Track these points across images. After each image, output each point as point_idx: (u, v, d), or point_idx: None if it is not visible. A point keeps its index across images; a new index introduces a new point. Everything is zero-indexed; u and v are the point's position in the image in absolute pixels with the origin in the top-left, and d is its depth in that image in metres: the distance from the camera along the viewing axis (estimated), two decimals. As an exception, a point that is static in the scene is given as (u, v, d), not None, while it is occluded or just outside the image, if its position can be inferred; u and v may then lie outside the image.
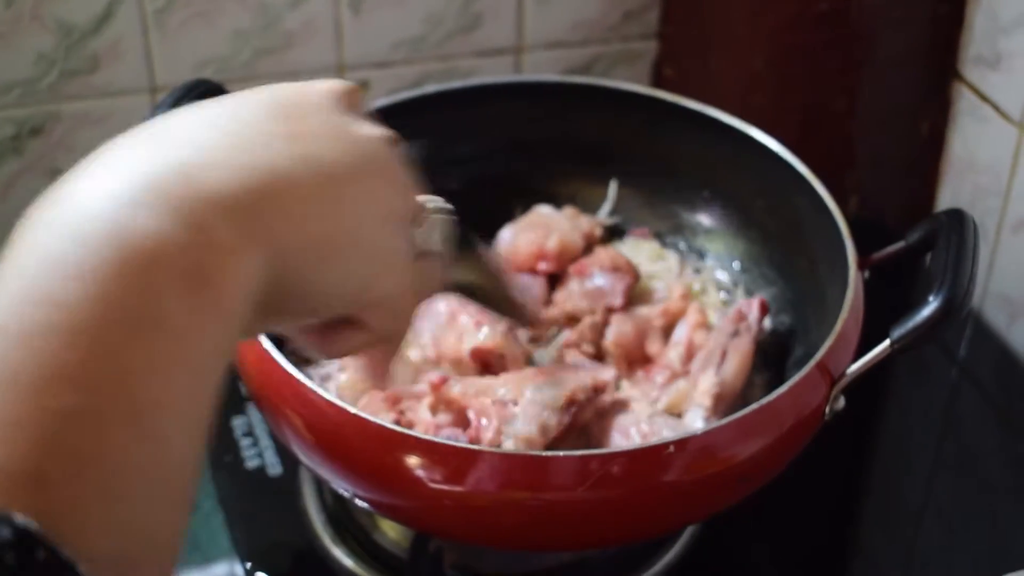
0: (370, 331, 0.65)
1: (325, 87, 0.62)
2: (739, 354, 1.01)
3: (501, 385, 0.94)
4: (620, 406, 0.99)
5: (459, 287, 0.83)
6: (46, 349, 0.45)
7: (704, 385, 0.99)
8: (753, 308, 1.05)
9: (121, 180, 0.51)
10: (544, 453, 0.85)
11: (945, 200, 1.39)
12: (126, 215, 0.48)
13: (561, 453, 0.85)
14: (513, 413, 0.91)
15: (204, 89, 1.03)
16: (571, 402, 0.93)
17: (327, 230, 0.56)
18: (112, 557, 0.45)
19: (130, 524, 0.46)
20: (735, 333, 1.03)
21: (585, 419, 0.96)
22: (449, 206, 0.71)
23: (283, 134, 0.56)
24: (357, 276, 0.60)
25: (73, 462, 0.44)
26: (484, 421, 0.92)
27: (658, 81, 1.46)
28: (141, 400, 0.47)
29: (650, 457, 0.85)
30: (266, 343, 0.90)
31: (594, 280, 1.11)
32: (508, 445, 0.90)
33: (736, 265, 1.16)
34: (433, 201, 0.70)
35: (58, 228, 0.48)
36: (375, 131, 0.61)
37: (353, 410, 0.85)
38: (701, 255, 1.19)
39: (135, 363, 0.47)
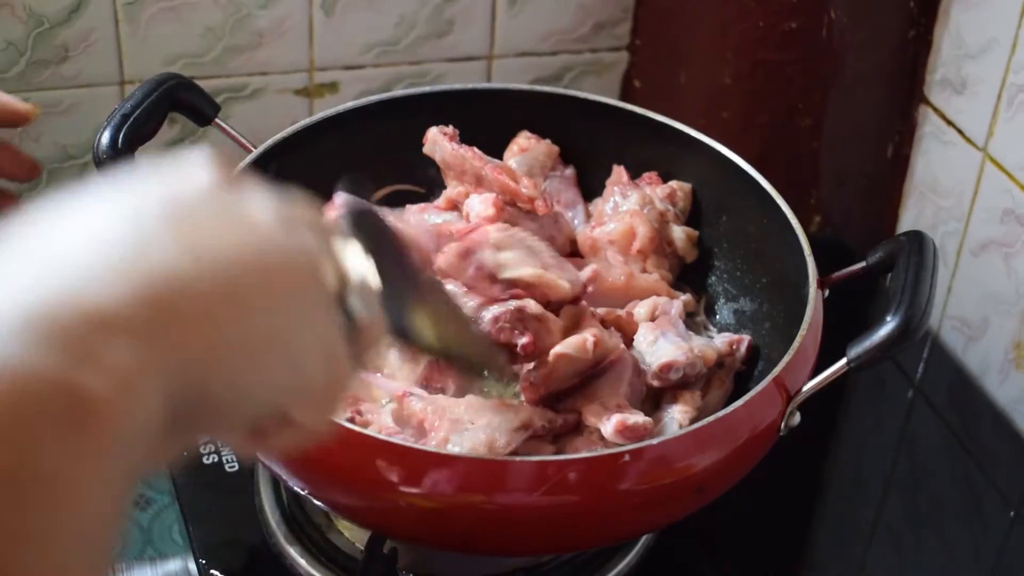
0: (300, 424, 0.58)
1: (204, 172, 0.54)
2: (722, 388, 1.02)
3: (462, 406, 0.94)
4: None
5: (423, 349, 0.76)
6: None
7: (685, 405, 0.98)
8: (742, 346, 1.05)
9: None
10: (501, 458, 0.86)
11: (907, 221, 1.40)
12: None
13: (517, 458, 0.85)
14: (466, 429, 0.91)
15: (174, 84, 1.03)
16: (525, 426, 0.93)
17: (238, 332, 0.51)
18: None
19: None
20: (720, 364, 1.03)
21: (539, 448, 0.95)
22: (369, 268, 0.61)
23: (173, 236, 0.50)
24: (279, 375, 0.54)
25: None
26: (434, 428, 0.92)
27: (627, 92, 1.47)
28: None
29: (606, 465, 0.85)
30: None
31: None
32: (455, 451, 0.90)
33: (698, 279, 1.16)
34: (356, 261, 0.60)
35: None
36: (267, 207, 0.54)
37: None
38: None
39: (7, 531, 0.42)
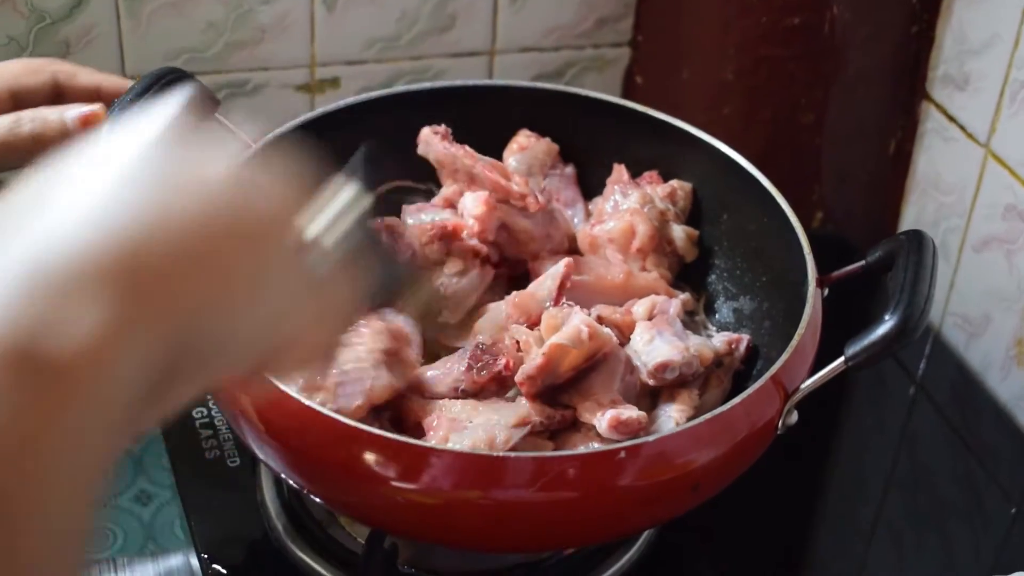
0: (291, 365, 0.61)
1: (156, 126, 0.54)
2: (721, 387, 1.02)
3: (458, 405, 0.94)
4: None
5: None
6: None
7: (682, 404, 0.98)
8: (741, 346, 1.05)
9: None
10: (498, 454, 0.86)
11: (909, 217, 1.40)
12: None
13: (515, 454, 0.85)
14: (465, 427, 0.92)
15: (173, 77, 1.03)
16: (523, 422, 0.93)
17: (212, 290, 0.51)
18: None
19: None
20: (719, 363, 1.03)
21: (538, 445, 0.96)
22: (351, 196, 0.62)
23: (144, 197, 0.50)
24: (260, 327, 0.55)
25: None
26: (433, 428, 0.92)
27: (629, 88, 1.47)
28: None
29: (603, 461, 0.85)
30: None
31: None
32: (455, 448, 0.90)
33: (697, 278, 1.16)
34: (334, 199, 0.61)
35: None
36: (224, 161, 0.54)
37: (309, 403, 0.86)
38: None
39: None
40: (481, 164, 1.08)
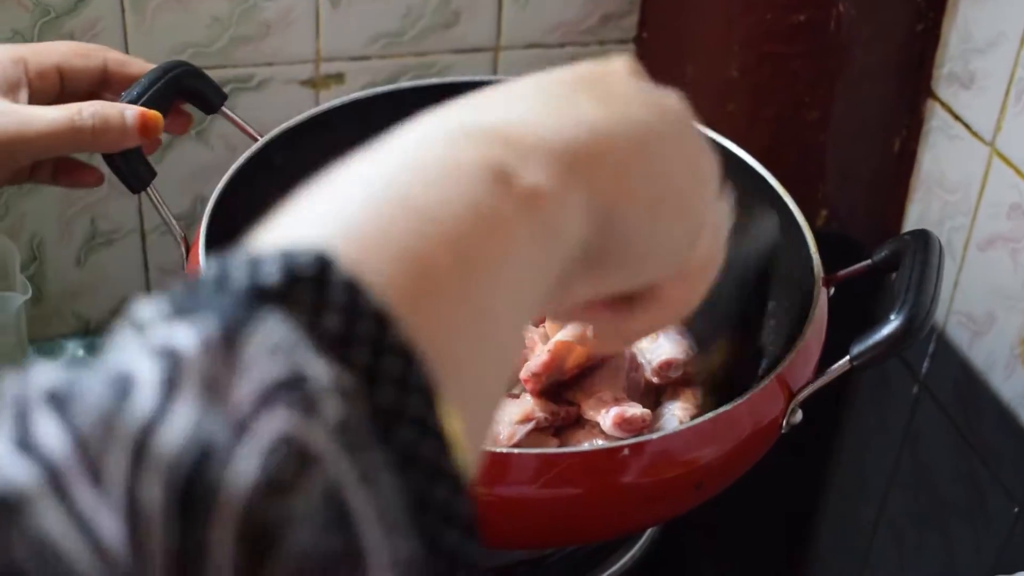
0: (668, 306, 0.63)
1: (620, 63, 0.62)
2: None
3: None
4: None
5: None
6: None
7: (685, 402, 0.98)
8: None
9: (447, 124, 0.52)
10: (501, 450, 0.86)
11: (914, 216, 1.40)
12: (461, 146, 0.50)
13: (519, 450, 0.85)
14: None
15: (181, 71, 1.03)
16: (527, 418, 0.93)
17: (650, 188, 0.56)
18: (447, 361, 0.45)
19: (478, 349, 0.47)
20: None
21: (543, 442, 0.96)
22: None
23: (594, 99, 0.56)
24: (679, 238, 0.59)
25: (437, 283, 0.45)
26: None
27: (634, 85, 1.46)
28: (481, 271, 0.47)
29: (606, 458, 0.85)
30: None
31: None
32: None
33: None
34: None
35: (423, 134, 0.52)
36: (677, 100, 0.61)
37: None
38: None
39: (480, 252, 0.47)
40: None
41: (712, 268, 0.65)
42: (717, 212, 0.63)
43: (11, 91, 0.95)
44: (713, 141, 1.09)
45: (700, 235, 0.61)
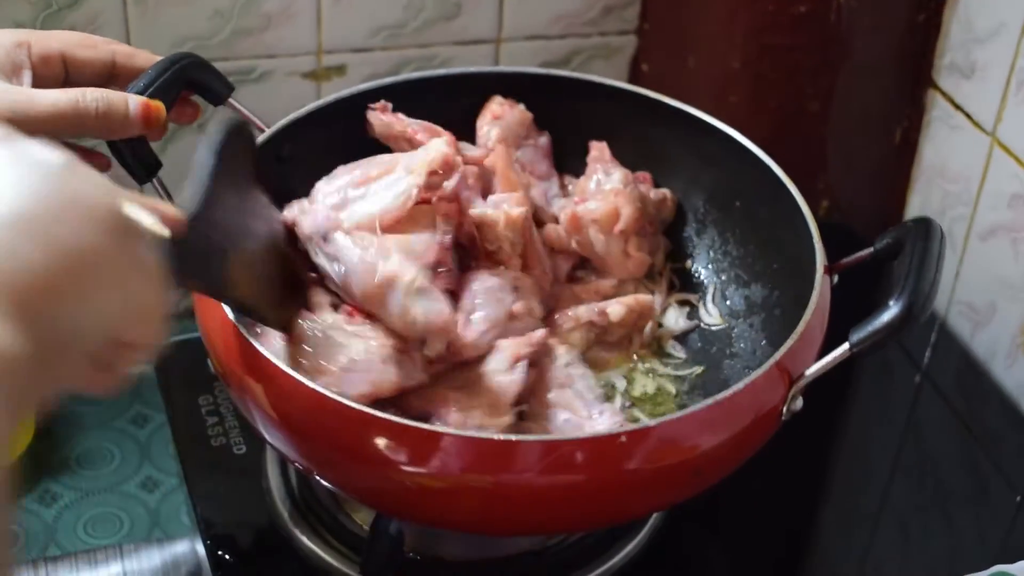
0: (139, 347, 0.66)
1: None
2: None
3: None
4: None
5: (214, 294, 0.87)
6: None
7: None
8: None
9: None
10: (506, 437, 0.86)
11: (915, 206, 1.40)
12: None
13: (522, 438, 0.86)
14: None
15: (188, 63, 1.03)
16: (517, 358, 0.96)
17: (62, 266, 0.58)
18: None
19: None
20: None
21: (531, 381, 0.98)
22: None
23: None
24: (105, 309, 0.61)
25: None
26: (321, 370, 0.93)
27: (635, 77, 1.47)
28: None
29: (607, 445, 0.86)
30: (231, 316, 0.91)
31: None
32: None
33: (709, 265, 1.16)
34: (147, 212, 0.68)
35: None
36: (50, 151, 0.61)
37: (318, 387, 0.86)
38: (672, 255, 1.19)
39: None
40: (412, 128, 1.08)
41: (154, 310, 0.66)
42: (135, 256, 0.63)
43: (14, 74, 0.94)
44: (713, 128, 1.12)
45: (128, 293, 0.62)
